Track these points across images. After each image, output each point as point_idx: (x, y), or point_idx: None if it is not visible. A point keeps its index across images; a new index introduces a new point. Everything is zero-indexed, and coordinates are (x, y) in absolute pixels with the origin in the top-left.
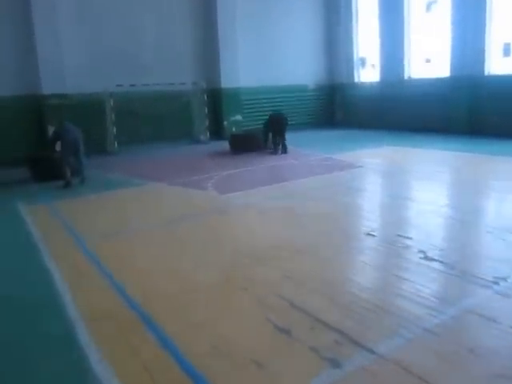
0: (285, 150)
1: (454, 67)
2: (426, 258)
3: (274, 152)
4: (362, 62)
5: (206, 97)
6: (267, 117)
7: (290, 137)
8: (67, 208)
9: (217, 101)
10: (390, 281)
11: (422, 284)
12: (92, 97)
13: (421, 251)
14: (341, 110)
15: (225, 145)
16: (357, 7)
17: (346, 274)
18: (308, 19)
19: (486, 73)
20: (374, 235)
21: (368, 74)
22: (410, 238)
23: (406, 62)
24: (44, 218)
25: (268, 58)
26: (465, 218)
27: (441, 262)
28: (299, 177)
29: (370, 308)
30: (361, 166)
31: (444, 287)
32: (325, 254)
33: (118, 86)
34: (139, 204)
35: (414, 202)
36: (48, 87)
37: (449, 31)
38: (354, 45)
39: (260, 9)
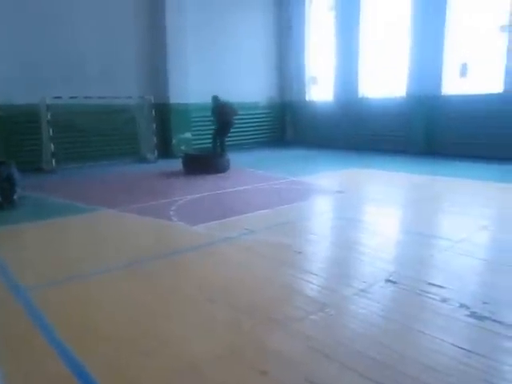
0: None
1: (410, 87)
2: (475, 315)
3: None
4: (314, 80)
5: (153, 112)
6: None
7: (245, 157)
8: None
9: (165, 117)
10: (452, 354)
11: (495, 359)
12: (25, 109)
13: (462, 305)
14: (291, 128)
15: (174, 164)
16: (309, 25)
17: (389, 344)
18: (259, 36)
19: (443, 93)
20: (394, 282)
21: (320, 92)
22: (441, 287)
23: (360, 81)
24: None
25: (218, 74)
26: (488, 257)
27: (496, 321)
28: (275, 204)
29: None
30: (340, 192)
31: None
32: (350, 310)
33: (56, 97)
34: (90, 237)
35: (422, 236)
36: None
37: (406, 51)
38: (306, 63)
39: (210, 24)
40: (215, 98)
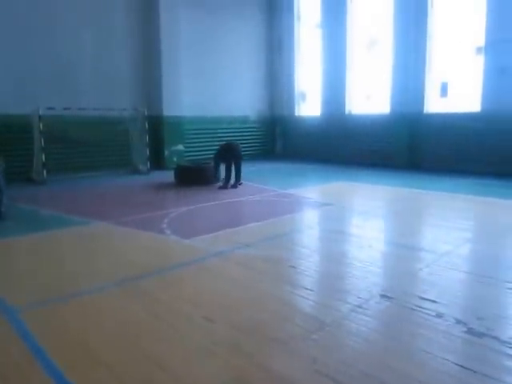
0: (236, 185)
1: (394, 104)
2: (472, 332)
3: (224, 186)
4: (303, 96)
5: (147, 124)
6: (217, 148)
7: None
8: None
9: (158, 129)
10: (456, 374)
11: (499, 379)
12: (18, 119)
13: (458, 321)
14: (281, 142)
15: (167, 176)
16: (299, 43)
17: (394, 364)
18: (251, 52)
19: (425, 111)
20: (389, 297)
21: (309, 108)
22: (434, 301)
23: (346, 98)
24: None
25: (210, 88)
26: (474, 270)
27: (495, 338)
28: (267, 216)
29: None
30: (329, 204)
31: None
32: (350, 328)
33: (49, 108)
34: (82, 252)
35: (409, 249)
36: None
37: (389, 70)
38: (295, 79)
39: (203, 40)
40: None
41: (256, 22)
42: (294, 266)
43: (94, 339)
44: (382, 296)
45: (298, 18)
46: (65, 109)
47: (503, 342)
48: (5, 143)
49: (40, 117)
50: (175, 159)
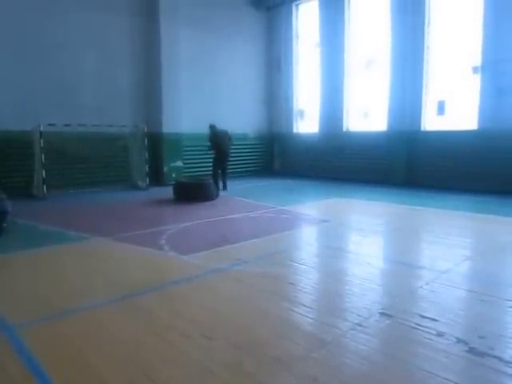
0: (224, 187)
1: (391, 122)
2: (474, 351)
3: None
4: (301, 113)
5: (146, 141)
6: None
7: (234, 186)
8: None
9: (157, 145)
10: None
11: None
12: (18, 135)
13: (460, 340)
14: (279, 159)
15: (166, 192)
16: (298, 61)
17: None
18: (250, 70)
19: (422, 129)
20: (388, 315)
21: (307, 125)
22: (435, 320)
23: (344, 115)
24: None
25: (209, 106)
26: (475, 288)
27: (496, 357)
28: (265, 233)
29: None
30: (327, 221)
31: None
32: (350, 347)
33: (50, 125)
34: (82, 268)
35: (408, 266)
36: None
37: (387, 88)
38: (294, 97)
39: (203, 57)
40: (212, 127)
41: (255, 40)
42: (292, 283)
43: (93, 356)
44: (382, 314)
45: (297, 37)
46: (65, 125)
47: (505, 362)
48: (5, 159)
49: (41, 133)
50: (174, 175)
